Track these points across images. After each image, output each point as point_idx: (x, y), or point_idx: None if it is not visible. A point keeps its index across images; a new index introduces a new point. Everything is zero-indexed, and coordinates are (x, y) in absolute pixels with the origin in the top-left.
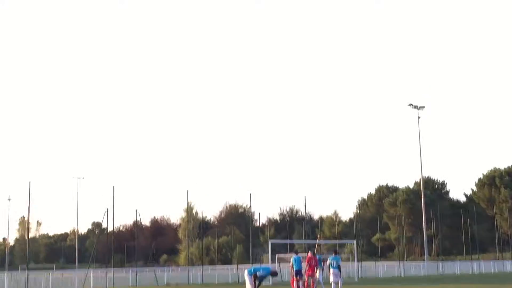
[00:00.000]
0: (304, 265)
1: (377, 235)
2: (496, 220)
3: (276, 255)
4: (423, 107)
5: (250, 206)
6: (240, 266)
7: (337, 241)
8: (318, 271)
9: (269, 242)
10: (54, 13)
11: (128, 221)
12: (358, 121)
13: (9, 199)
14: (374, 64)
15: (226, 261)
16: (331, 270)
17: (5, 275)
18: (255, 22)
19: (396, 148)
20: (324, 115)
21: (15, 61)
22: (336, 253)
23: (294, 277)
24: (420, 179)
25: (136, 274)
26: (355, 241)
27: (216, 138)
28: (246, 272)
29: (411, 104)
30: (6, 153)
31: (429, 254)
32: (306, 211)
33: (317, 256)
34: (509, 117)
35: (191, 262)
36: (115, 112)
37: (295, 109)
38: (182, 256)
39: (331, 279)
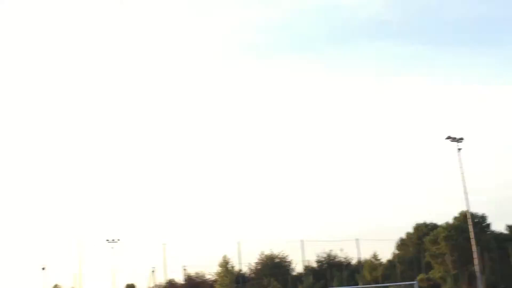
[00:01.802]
0: None
1: (421, 275)
2: None
3: None
4: (462, 139)
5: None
6: None
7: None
8: None
9: None
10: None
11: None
12: (390, 159)
13: (43, 268)
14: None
15: None
16: None
17: None
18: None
19: (431, 184)
20: (358, 157)
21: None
22: None
23: None
24: (463, 213)
25: None
26: (416, 282)
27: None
28: None
29: (450, 137)
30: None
31: None
32: (345, 256)
33: None
34: None
35: None
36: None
37: (328, 148)
38: None
39: None
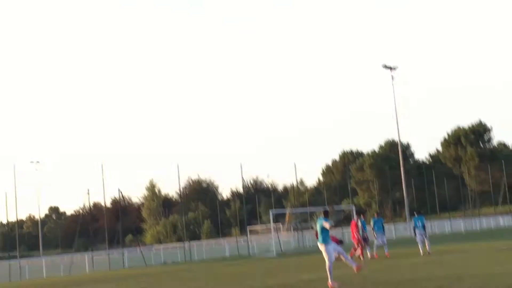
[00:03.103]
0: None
1: (347, 201)
2: (464, 179)
3: (247, 227)
4: (396, 67)
5: None
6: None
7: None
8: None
9: (271, 212)
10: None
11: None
12: (316, 85)
13: None
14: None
15: (195, 237)
16: (417, 230)
17: None
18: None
19: (356, 112)
20: (287, 80)
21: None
22: (419, 213)
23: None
24: (389, 142)
25: (124, 255)
26: (354, 206)
27: (170, 111)
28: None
29: (385, 65)
30: None
31: (400, 216)
32: (271, 183)
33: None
34: (463, 78)
35: (158, 241)
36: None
37: (259, 68)
38: (148, 235)
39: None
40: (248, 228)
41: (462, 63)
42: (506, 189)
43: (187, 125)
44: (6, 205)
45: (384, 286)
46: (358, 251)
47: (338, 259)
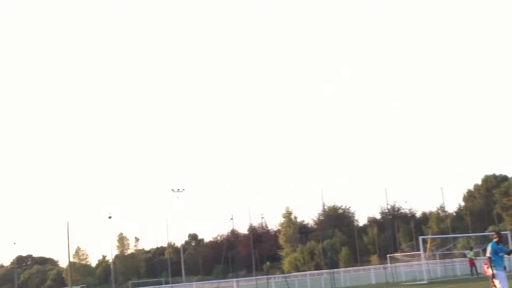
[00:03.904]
0: None
1: (492, 227)
2: None
3: (387, 255)
4: None
5: None
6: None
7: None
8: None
9: (420, 238)
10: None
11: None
12: (458, 111)
13: (109, 217)
14: None
15: (332, 264)
16: None
17: None
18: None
19: (501, 136)
20: (415, 107)
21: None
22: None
23: None
24: None
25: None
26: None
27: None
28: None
29: None
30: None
31: None
32: (409, 209)
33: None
34: None
35: (296, 268)
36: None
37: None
38: (286, 262)
39: None
40: (388, 256)
41: None
42: None
43: (327, 152)
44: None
45: None
46: None
47: None
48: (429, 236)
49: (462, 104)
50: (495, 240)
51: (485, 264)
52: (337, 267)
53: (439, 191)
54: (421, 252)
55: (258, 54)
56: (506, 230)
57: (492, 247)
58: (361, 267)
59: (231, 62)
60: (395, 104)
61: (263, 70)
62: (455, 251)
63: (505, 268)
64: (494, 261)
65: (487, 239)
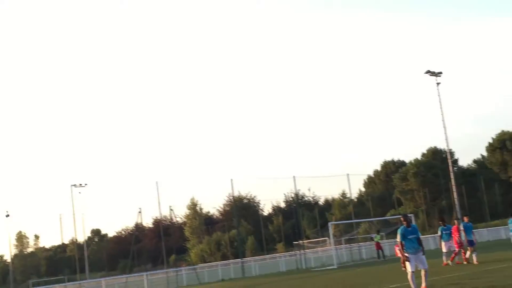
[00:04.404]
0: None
1: (392, 211)
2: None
3: (293, 243)
4: (441, 73)
5: None
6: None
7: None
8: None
9: (329, 224)
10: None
11: (129, 224)
12: (347, 104)
13: (7, 215)
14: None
15: (239, 254)
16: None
17: None
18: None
19: (396, 122)
20: (323, 99)
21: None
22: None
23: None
24: (432, 149)
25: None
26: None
27: (207, 131)
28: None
29: (429, 71)
30: None
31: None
32: (312, 196)
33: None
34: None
35: (202, 259)
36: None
37: (291, 80)
38: (192, 254)
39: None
40: (294, 243)
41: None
42: None
43: (237, 144)
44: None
45: None
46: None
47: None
48: (340, 222)
49: (360, 94)
50: (403, 224)
51: (396, 247)
52: (243, 257)
53: (344, 177)
54: (330, 237)
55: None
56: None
57: (400, 232)
58: (270, 255)
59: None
60: (280, 98)
61: (168, 63)
62: (358, 236)
63: (423, 249)
64: (405, 244)
65: (388, 223)
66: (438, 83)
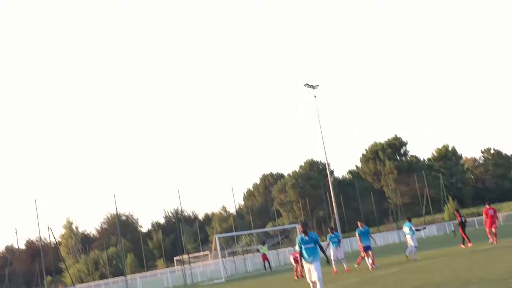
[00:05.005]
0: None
1: (270, 223)
2: (384, 192)
3: (174, 258)
4: (318, 85)
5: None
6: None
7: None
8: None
9: (216, 236)
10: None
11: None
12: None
13: None
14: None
15: (118, 272)
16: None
17: None
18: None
19: (273, 136)
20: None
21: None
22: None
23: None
24: (309, 161)
25: None
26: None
27: (85, 147)
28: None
29: (307, 84)
30: None
31: (325, 235)
32: (192, 211)
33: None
34: (378, 93)
35: (79, 280)
36: None
37: (169, 98)
38: (68, 275)
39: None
40: (175, 258)
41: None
42: (429, 199)
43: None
44: None
45: None
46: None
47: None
48: (226, 234)
49: (238, 109)
50: (301, 232)
51: (291, 255)
52: (123, 275)
53: (226, 191)
54: (218, 250)
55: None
56: (285, 224)
57: (298, 240)
58: (151, 272)
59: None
60: (180, 113)
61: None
62: (240, 249)
63: (327, 257)
64: (303, 253)
65: (268, 235)
66: (315, 96)
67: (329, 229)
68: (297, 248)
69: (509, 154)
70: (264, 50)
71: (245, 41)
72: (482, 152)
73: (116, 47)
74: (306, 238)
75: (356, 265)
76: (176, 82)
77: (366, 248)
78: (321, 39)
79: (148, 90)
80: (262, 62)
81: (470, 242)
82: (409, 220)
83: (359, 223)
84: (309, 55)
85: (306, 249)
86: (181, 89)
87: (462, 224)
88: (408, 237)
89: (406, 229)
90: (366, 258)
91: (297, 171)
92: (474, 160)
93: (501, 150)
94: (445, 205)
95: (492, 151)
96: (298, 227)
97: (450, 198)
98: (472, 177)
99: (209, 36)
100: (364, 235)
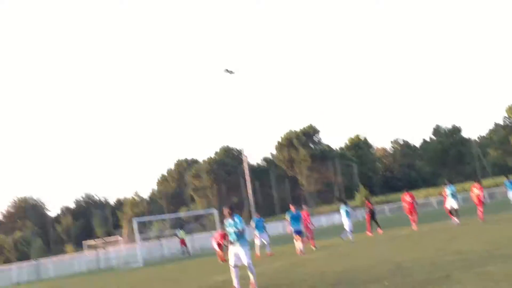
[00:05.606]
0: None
1: (183, 208)
2: (297, 179)
3: (84, 243)
4: (233, 72)
5: None
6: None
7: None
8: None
9: (134, 220)
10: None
11: None
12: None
13: None
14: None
15: (24, 257)
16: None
17: None
18: None
19: (188, 121)
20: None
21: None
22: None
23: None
24: (224, 147)
25: None
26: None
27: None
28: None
29: (227, 70)
30: None
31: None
32: (103, 196)
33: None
34: (293, 83)
35: None
36: None
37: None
38: None
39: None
40: (85, 243)
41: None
42: (340, 187)
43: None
44: None
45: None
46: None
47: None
48: (147, 218)
49: (152, 93)
50: (227, 215)
51: (212, 239)
52: (29, 260)
53: (139, 176)
54: (136, 234)
55: None
56: (198, 210)
57: (226, 224)
58: (59, 256)
59: None
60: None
61: None
62: (152, 234)
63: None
64: (230, 237)
65: (181, 220)
66: (232, 82)
67: (256, 214)
68: (226, 232)
69: (416, 145)
70: (180, 35)
71: (162, 25)
72: (391, 142)
73: None
74: (232, 221)
75: (312, 247)
76: (85, 66)
77: (297, 232)
78: (238, 26)
79: (60, 73)
80: (178, 47)
81: (380, 229)
82: (345, 203)
83: (291, 206)
84: (227, 42)
85: (232, 233)
86: (95, 72)
87: (372, 212)
88: (345, 220)
89: (342, 212)
90: (295, 241)
91: (212, 157)
92: (385, 150)
93: (409, 141)
94: (356, 192)
95: (401, 142)
96: (225, 211)
97: (361, 186)
98: (381, 166)
99: (122, 20)
100: (295, 219)
